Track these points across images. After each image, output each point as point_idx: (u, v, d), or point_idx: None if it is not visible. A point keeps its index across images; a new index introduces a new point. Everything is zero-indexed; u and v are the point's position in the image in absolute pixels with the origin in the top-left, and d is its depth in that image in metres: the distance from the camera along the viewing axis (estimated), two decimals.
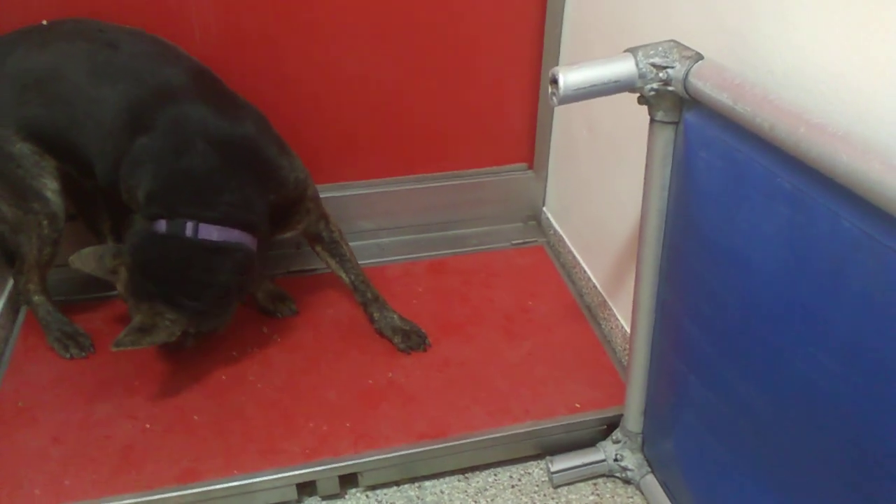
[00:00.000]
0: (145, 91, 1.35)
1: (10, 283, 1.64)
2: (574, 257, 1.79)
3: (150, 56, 1.41)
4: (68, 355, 1.53)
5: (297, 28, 1.62)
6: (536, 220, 1.99)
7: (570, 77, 0.96)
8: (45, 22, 1.44)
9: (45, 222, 1.42)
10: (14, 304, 1.65)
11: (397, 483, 1.39)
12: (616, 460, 1.38)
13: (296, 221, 1.48)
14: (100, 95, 1.35)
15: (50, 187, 1.41)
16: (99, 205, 1.61)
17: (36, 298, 1.53)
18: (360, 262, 1.60)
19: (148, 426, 1.39)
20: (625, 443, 1.38)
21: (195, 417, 1.41)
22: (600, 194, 1.63)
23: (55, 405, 1.43)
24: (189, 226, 1.30)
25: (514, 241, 1.92)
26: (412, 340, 1.57)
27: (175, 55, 1.43)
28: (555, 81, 0.98)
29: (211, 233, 1.31)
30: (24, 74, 1.37)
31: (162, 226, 1.31)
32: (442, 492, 1.38)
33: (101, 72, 1.36)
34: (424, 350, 1.56)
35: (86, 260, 1.38)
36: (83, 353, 1.53)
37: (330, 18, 1.62)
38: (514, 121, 1.87)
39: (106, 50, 1.38)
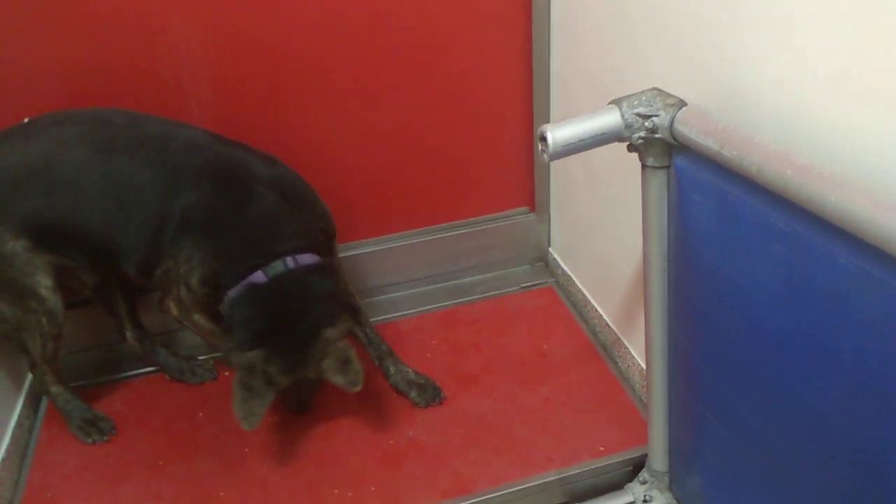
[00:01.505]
0: (172, 152, 1.38)
1: (29, 376, 1.66)
2: (584, 296, 1.79)
3: (155, 122, 1.43)
4: (90, 441, 1.54)
5: (293, 94, 1.65)
6: (544, 262, 2.00)
7: (557, 134, 0.98)
8: (26, 119, 1.44)
9: (43, 320, 1.41)
10: (35, 396, 1.67)
11: None
12: (645, 501, 1.37)
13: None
14: (116, 168, 1.36)
15: (44, 284, 1.39)
16: (113, 288, 1.62)
17: (54, 389, 1.54)
18: (371, 319, 1.61)
19: None
20: (652, 483, 1.37)
21: (220, 494, 1.41)
22: (603, 232, 1.64)
23: (82, 492, 1.44)
24: (290, 261, 1.37)
25: (523, 285, 1.93)
26: (428, 394, 1.57)
27: (173, 120, 1.46)
28: (544, 139, 0.99)
29: (306, 259, 1.38)
30: (13, 169, 1.35)
31: (259, 276, 1.35)
32: None
33: (106, 147, 1.37)
34: (440, 403, 1.57)
35: (253, 411, 1.33)
36: (105, 438, 1.54)
37: (325, 83, 1.66)
38: (513, 166, 1.89)
39: (103, 126, 1.39)
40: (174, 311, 1.47)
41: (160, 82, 1.56)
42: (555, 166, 1.85)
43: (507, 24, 1.69)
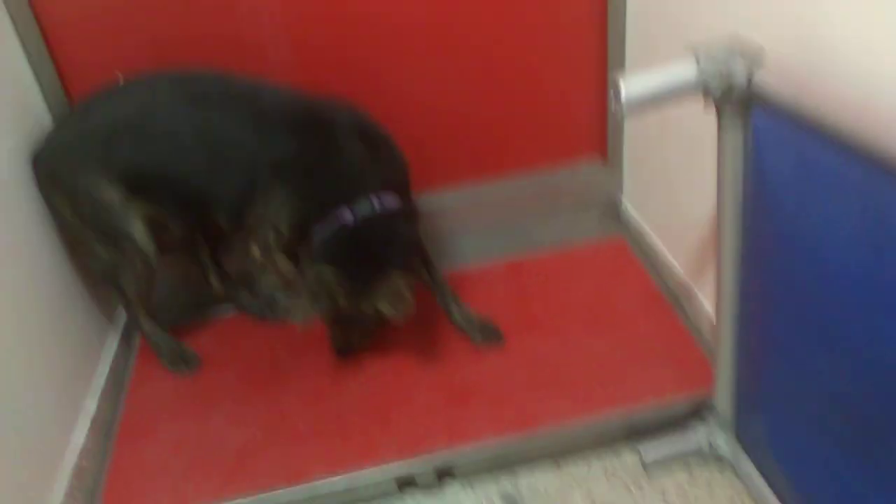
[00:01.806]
0: (261, 107, 1.46)
1: (124, 314, 1.79)
2: (655, 246, 1.79)
3: (243, 80, 1.52)
4: (178, 371, 1.65)
5: (371, 50, 1.70)
6: (615, 212, 1.99)
7: (632, 87, 0.96)
8: (120, 79, 1.54)
9: (137, 260, 1.52)
10: (128, 332, 1.79)
11: (492, 473, 1.43)
12: (709, 444, 1.38)
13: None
14: (207, 121, 1.45)
15: (138, 229, 1.50)
16: (198, 239, 1.73)
17: (146, 326, 1.66)
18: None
19: (257, 433, 1.49)
20: (716, 426, 1.38)
21: (299, 422, 1.50)
22: (677, 183, 1.63)
23: (173, 419, 1.56)
24: (375, 201, 1.44)
25: (592, 234, 1.93)
26: (489, 334, 1.62)
27: (259, 78, 1.54)
28: (617, 92, 0.98)
29: (390, 201, 1.45)
30: (112, 122, 1.47)
31: (346, 214, 1.43)
32: (536, 480, 1.41)
33: (200, 101, 1.46)
34: (501, 344, 1.61)
35: (308, 313, 1.44)
36: (192, 370, 1.65)
37: (401, 37, 1.69)
38: (585, 115, 1.88)
39: (194, 83, 1.49)
40: (257, 254, 1.54)
41: (242, 45, 1.63)
42: (629, 118, 1.83)
43: None
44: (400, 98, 1.76)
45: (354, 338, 1.58)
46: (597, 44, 1.77)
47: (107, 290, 1.71)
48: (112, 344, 1.72)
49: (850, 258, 0.87)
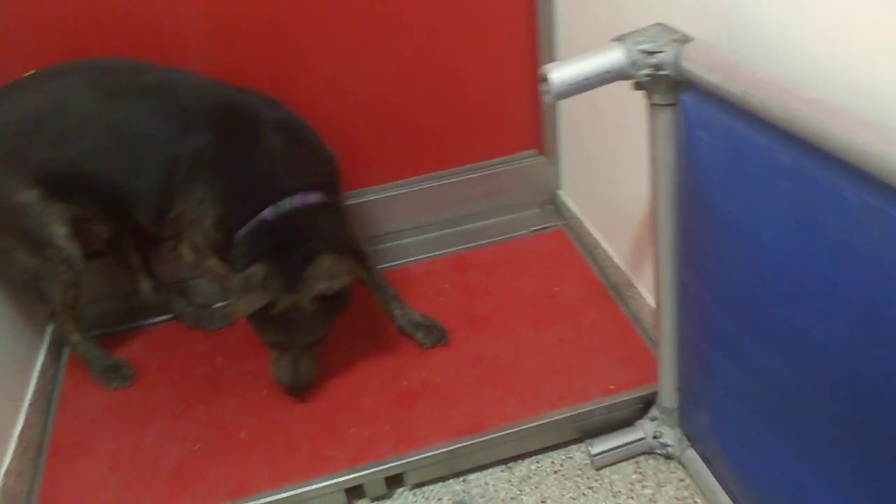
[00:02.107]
0: (179, 98, 1.39)
1: (50, 326, 1.70)
2: (594, 238, 1.80)
3: (159, 70, 1.44)
4: (113, 386, 1.58)
5: (295, 39, 1.64)
6: (553, 204, 2.00)
7: (560, 73, 0.97)
8: (32, 72, 1.45)
9: (62, 267, 1.44)
10: (57, 346, 1.71)
11: (442, 479, 1.42)
12: (655, 437, 1.40)
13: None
14: (122, 114, 1.37)
15: (60, 233, 1.42)
16: (126, 240, 1.65)
17: (74, 337, 1.58)
18: (382, 265, 1.63)
19: (196, 447, 1.44)
20: (662, 419, 1.40)
21: (241, 434, 1.46)
22: (612, 173, 1.64)
23: (107, 435, 1.49)
24: (298, 198, 1.38)
25: (533, 228, 1.93)
26: (434, 335, 1.60)
27: (176, 68, 1.46)
28: (545, 80, 0.99)
29: (313, 198, 1.40)
30: (21, 118, 1.37)
31: (268, 213, 1.37)
32: (487, 483, 1.41)
33: (112, 94, 1.38)
34: (446, 344, 1.59)
35: (248, 302, 1.33)
36: (126, 383, 1.59)
37: (326, 27, 1.64)
38: (520, 108, 1.87)
39: (107, 74, 1.40)
40: (188, 257, 1.49)
41: (159, 31, 1.55)
42: (562, 107, 1.83)
43: None
44: (330, 92, 1.72)
45: (303, 367, 1.46)
46: (527, 37, 1.75)
47: (32, 301, 1.63)
48: (39, 358, 1.64)
49: (781, 245, 0.88)
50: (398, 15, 1.66)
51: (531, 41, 1.76)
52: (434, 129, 1.84)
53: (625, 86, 1.07)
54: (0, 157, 1.37)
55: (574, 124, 1.80)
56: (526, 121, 1.89)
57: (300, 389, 1.48)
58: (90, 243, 1.60)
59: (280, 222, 1.37)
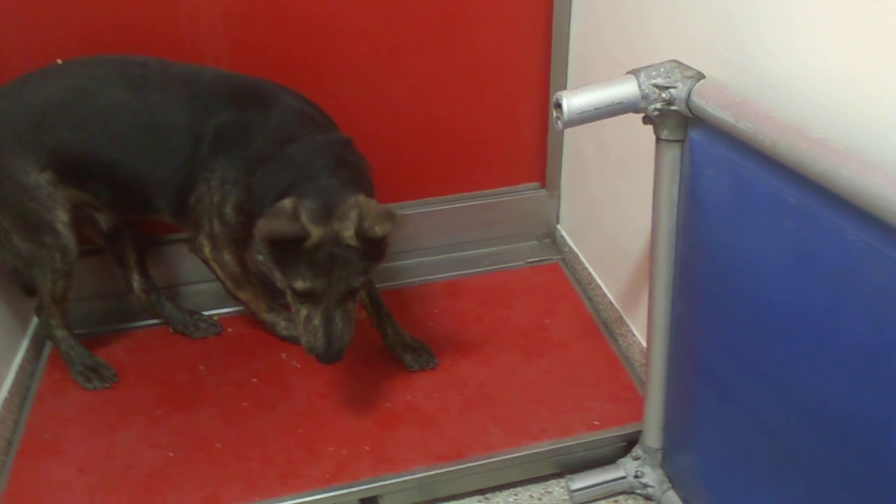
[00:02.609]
0: (202, 84, 1.40)
1: (35, 319, 1.68)
2: (589, 274, 1.79)
3: (184, 64, 1.46)
4: (91, 387, 1.55)
5: (310, 59, 1.65)
6: (551, 238, 2.00)
7: (573, 101, 0.98)
8: (59, 61, 1.46)
9: (57, 255, 1.43)
10: (39, 340, 1.68)
11: None
12: (636, 477, 1.38)
13: None
14: (148, 104, 1.38)
15: (61, 219, 1.41)
16: (125, 238, 1.63)
17: (58, 333, 1.56)
18: (376, 285, 1.62)
19: (171, 454, 1.41)
20: (645, 459, 1.38)
21: (217, 444, 1.42)
22: (613, 210, 1.64)
23: (80, 436, 1.46)
24: (319, 137, 1.36)
25: (529, 260, 1.92)
26: (422, 358, 1.58)
27: (205, 66, 1.49)
28: (559, 106, 0.99)
29: (338, 136, 1.40)
30: (45, 101, 1.37)
31: (295, 147, 1.34)
32: None
33: (139, 84, 1.39)
34: (434, 368, 1.58)
35: (277, 225, 1.20)
36: (106, 385, 1.56)
37: (343, 49, 1.65)
38: (526, 141, 1.88)
39: (136, 67, 1.41)
40: (206, 248, 1.48)
41: (179, 44, 1.57)
42: (567, 143, 1.84)
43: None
44: (341, 109, 1.69)
45: (336, 326, 1.27)
46: (541, 70, 1.77)
47: (19, 294, 1.61)
48: (20, 352, 1.61)
49: (781, 284, 0.88)
50: (414, 40, 1.68)
51: (544, 74, 1.77)
52: (439, 153, 1.85)
53: (630, 125, 1.07)
54: (18, 136, 1.37)
55: (578, 160, 1.81)
56: (531, 153, 1.90)
57: (333, 354, 1.28)
58: (90, 235, 1.59)
59: (303, 146, 1.31)
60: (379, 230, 1.22)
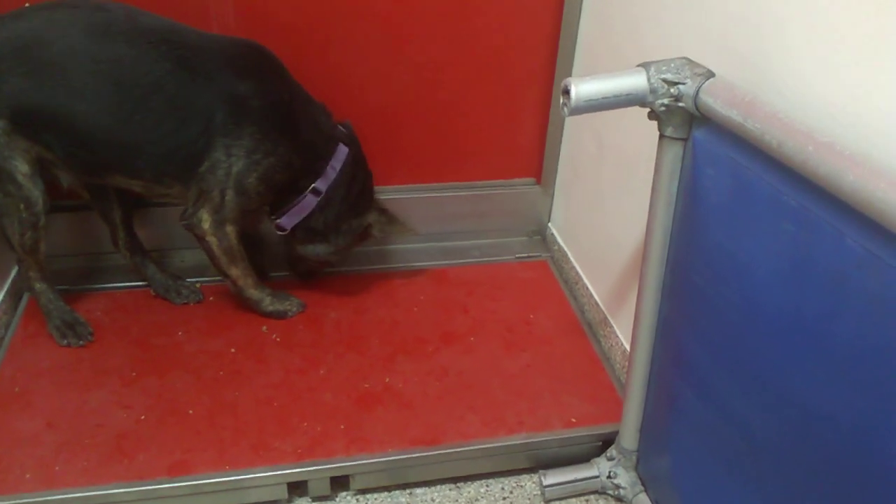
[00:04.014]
0: (184, 44, 1.37)
1: (14, 270, 1.65)
2: (577, 273, 1.79)
3: (153, 16, 1.40)
4: (65, 343, 1.53)
5: (312, 33, 1.63)
6: (541, 235, 1.99)
7: (582, 88, 0.97)
8: (26, 5, 1.38)
9: (21, 206, 1.38)
10: (17, 291, 1.65)
11: (388, 489, 1.38)
12: (609, 477, 1.38)
13: None
14: (117, 56, 1.32)
15: (21, 170, 1.35)
16: (110, 195, 1.59)
17: (38, 286, 1.53)
18: (362, 267, 1.64)
19: (142, 417, 1.39)
20: (619, 460, 1.37)
21: (190, 411, 1.40)
22: (606, 211, 1.63)
23: (51, 392, 1.43)
24: (342, 128, 1.59)
25: (518, 255, 1.92)
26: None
27: (173, 20, 1.43)
28: (567, 92, 0.98)
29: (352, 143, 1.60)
30: (0, 46, 1.30)
31: (343, 150, 1.55)
32: (433, 500, 1.37)
33: (100, 31, 1.32)
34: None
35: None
36: (81, 342, 1.53)
37: (344, 25, 1.64)
38: (525, 135, 1.88)
39: (97, 12, 1.34)
40: (206, 223, 1.45)
41: (184, 5, 1.53)
42: (567, 141, 1.84)
43: None
44: (342, 84, 1.71)
45: (317, 264, 1.71)
46: (547, 63, 1.76)
47: None
48: None
49: (775, 287, 0.87)
50: (422, 21, 1.66)
51: (549, 68, 1.77)
52: (436, 139, 1.83)
53: (632, 124, 1.07)
54: None
55: (574, 159, 1.80)
56: (529, 148, 1.89)
57: (309, 274, 1.75)
58: (71, 194, 1.54)
59: (356, 154, 1.57)
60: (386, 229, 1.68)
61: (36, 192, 1.39)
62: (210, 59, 1.37)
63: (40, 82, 1.31)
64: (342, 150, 1.54)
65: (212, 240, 1.48)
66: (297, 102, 1.49)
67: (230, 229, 1.48)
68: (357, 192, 1.59)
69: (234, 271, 1.56)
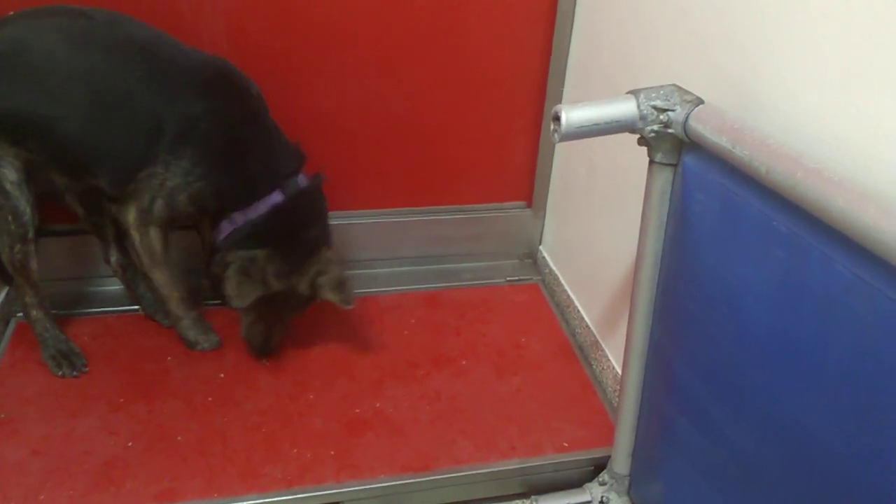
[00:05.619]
0: (161, 59, 1.36)
1: (2, 295, 1.63)
2: (568, 297, 1.79)
3: (137, 26, 1.40)
4: (60, 373, 1.51)
5: (305, 57, 1.64)
6: (532, 259, 2.00)
7: (572, 115, 0.98)
8: (11, 13, 1.39)
9: (9, 217, 1.37)
10: (5, 317, 1.64)
11: None
12: (602, 502, 1.37)
13: None
14: (94, 64, 1.32)
15: (9, 178, 1.35)
16: (104, 211, 1.56)
17: (34, 314, 1.51)
18: (354, 291, 1.61)
19: (130, 444, 1.37)
20: (611, 485, 1.37)
21: (178, 438, 1.39)
22: (597, 235, 1.64)
23: (38, 418, 1.41)
24: (301, 178, 1.48)
25: (509, 278, 1.92)
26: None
27: (153, 28, 1.42)
28: (557, 119, 0.99)
29: (307, 179, 1.50)
30: None
31: (278, 196, 1.45)
32: None
33: (80, 39, 1.33)
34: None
35: (246, 293, 1.45)
36: (75, 373, 1.51)
37: (336, 50, 1.64)
38: (516, 159, 1.88)
39: (79, 20, 1.35)
40: (131, 218, 1.43)
41: (178, 24, 1.52)
42: (558, 165, 1.85)
43: (530, 15, 1.68)
44: (332, 110, 1.71)
45: (275, 332, 1.55)
46: (536, 92, 1.78)
47: None
48: None
49: (766, 313, 0.88)
50: (413, 48, 1.68)
51: (540, 93, 1.78)
52: (427, 162, 1.84)
53: (622, 150, 1.08)
54: None
55: (565, 183, 1.81)
56: (520, 172, 1.90)
57: (268, 354, 1.58)
58: (65, 216, 1.55)
59: (290, 203, 1.46)
60: (328, 295, 1.49)
61: (24, 203, 1.38)
62: (177, 75, 1.37)
63: (19, 88, 1.32)
64: (274, 198, 1.45)
65: (134, 234, 1.45)
66: (253, 132, 1.44)
67: (154, 232, 1.45)
68: (285, 244, 1.47)
69: (158, 276, 1.52)
